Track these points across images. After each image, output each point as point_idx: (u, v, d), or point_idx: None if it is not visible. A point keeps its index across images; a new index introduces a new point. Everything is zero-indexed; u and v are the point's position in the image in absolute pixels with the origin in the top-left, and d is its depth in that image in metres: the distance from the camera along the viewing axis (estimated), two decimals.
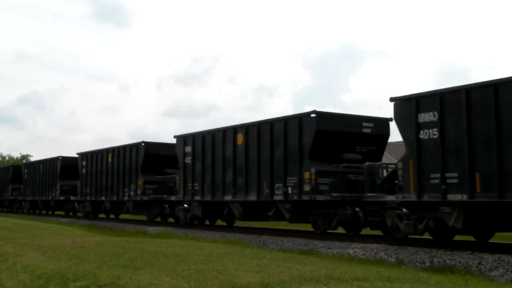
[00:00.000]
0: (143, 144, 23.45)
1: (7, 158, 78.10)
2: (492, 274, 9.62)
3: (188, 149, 19.93)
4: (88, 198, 27.85)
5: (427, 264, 10.82)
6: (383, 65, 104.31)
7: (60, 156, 31.87)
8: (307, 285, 6.74)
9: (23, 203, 37.70)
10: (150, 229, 20.59)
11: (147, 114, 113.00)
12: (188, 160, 19.88)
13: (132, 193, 23.69)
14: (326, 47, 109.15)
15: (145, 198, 22.87)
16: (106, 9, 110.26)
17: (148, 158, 23.15)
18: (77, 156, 29.30)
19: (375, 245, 12.97)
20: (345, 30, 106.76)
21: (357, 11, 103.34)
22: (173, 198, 21.17)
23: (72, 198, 29.89)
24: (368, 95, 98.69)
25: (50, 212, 34.68)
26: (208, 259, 9.25)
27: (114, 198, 25.29)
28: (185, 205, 20.47)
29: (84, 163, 28.20)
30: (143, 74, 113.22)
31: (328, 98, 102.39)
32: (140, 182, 22.99)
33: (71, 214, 31.48)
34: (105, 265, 9.02)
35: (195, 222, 20.89)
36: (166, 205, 22.05)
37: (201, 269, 8.11)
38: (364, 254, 12.24)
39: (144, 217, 24.75)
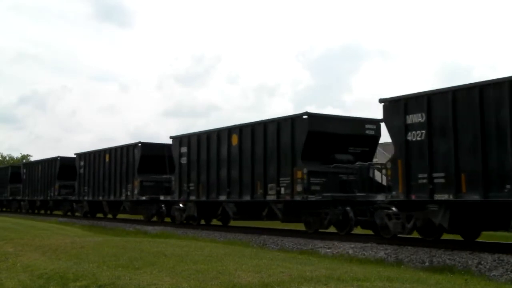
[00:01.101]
0: (139, 144, 23.79)
1: (7, 158, 78.11)
2: (492, 274, 9.62)
3: (184, 149, 20.21)
4: (86, 198, 28.18)
5: (427, 264, 10.83)
6: (384, 65, 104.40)
7: (58, 157, 32.19)
8: (307, 285, 6.74)
9: (21, 202, 37.96)
10: (150, 229, 20.58)
11: (148, 114, 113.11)
12: (184, 160, 20.15)
13: (129, 193, 24.01)
14: (327, 47, 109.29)
15: (141, 198, 23.15)
16: (107, 9, 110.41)
17: (144, 158, 23.52)
18: (75, 156, 29.67)
19: (375, 245, 12.98)
20: (346, 30, 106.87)
21: (358, 11, 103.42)
22: (169, 198, 21.42)
23: (70, 198, 30.27)
24: (368, 95, 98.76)
25: (48, 212, 34.97)
26: (208, 259, 9.25)
27: (112, 198, 25.59)
28: (180, 205, 20.72)
29: (82, 163, 28.51)
30: (144, 74, 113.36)
31: (329, 98, 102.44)
32: (137, 182, 23.33)
33: (69, 213, 31.72)
34: (105, 265, 9.03)
35: (191, 222, 21.02)
36: (163, 205, 22.36)
37: (201, 269, 8.12)
38: (364, 254, 12.25)
39: (141, 217, 24.99)
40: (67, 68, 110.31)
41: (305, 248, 13.67)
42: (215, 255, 9.87)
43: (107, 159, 26.11)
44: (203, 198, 19.15)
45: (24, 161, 65.76)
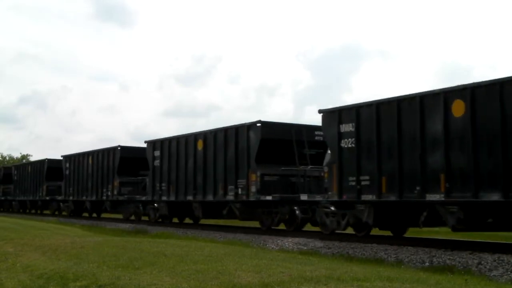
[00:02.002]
0: (119, 148, 25.59)
1: (7, 158, 78.13)
2: (492, 274, 9.62)
3: (157, 153, 21.79)
4: (71, 198, 29.80)
5: (427, 264, 10.83)
6: (384, 65, 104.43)
7: (46, 159, 33.95)
8: (307, 285, 6.74)
9: (13, 202, 39.50)
10: (150, 229, 20.62)
11: (148, 114, 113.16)
12: (157, 163, 21.77)
13: (109, 193, 25.72)
14: (327, 47, 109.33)
15: (120, 198, 24.92)
16: (108, 9, 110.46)
17: (123, 161, 25.25)
18: (61, 158, 31.26)
19: (375, 245, 12.99)
20: (346, 30, 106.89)
21: (358, 11, 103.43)
22: (143, 198, 23.16)
23: (57, 197, 31.78)
24: (369, 95, 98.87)
25: (38, 211, 36.25)
26: (208, 259, 9.25)
27: (94, 198, 27.22)
28: (155, 204, 22.34)
29: (67, 165, 30.14)
30: (144, 73, 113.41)
31: (329, 98, 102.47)
32: (116, 183, 24.98)
33: (56, 213, 32.95)
34: (105, 265, 9.02)
35: (164, 220, 22.63)
36: (140, 204, 23.84)
37: (201, 269, 8.11)
38: (364, 254, 12.25)
39: (121, 216, 26.53)
40: (67, 68, 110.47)
41: (305, 248, 13.67)
42: (215, 255, 9.87)
43: (90, 162, 27.81)
44: (173, 198, 20.75)
45: (24, 161, 65.81)
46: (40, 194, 33.69)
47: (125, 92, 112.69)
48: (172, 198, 20.81)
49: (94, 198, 27.28)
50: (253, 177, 16.96)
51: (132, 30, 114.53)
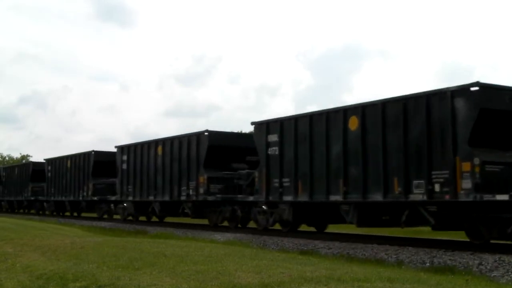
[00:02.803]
0: (93, 152, 28.11)
1: (7, 158, 78.13)
2: (493, 274, 9.60)
3: (125, 157, 24.28)
4: (52, 198, 32.43)
5: (428, 264, 10.81)
6: (384, 65, 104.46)
7: (31, 162, 37.83)
8: (307, 285, 6.72)
9: (2, 202, 42.02)
10: (150, 229, 20.63)
11: (148, 114, 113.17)
12: (124, 166, 24.30)
13: (85, 194, 28.29)
14: (327, 47, 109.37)
15: (94, 198, 27.53)
16: (109, 9, 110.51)
17: (97, 164, 27.75)
18: (44, 162, 34.27)
19: (376, 245, 12.97)
20: (347, 30, 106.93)
21: (358, 11, 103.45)
22: (113, 198, 25.56)
23: (40, 198, 34.24)
24: (369, 95, 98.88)
25: (25, 211, 38.34)
26: (208, 260, 9.24)
27: (72, 198, 29.90)
28: (125, 204, 24.84)
29: (49, 168, 32.86)
30: (145, 73, 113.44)
31: (330, 98, 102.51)
32: (91, 185, 27.67)
33: (41, 212, 35.31)
34: (104, 266, 9.01)
35: (132, 218, 24.96)
36: (112, 204, 26.36)
37: (201, 269, 8.10)
38: (364, 255, 12.23)
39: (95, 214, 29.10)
40: (67, 68, 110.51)
41: (305, 248, 13.65)
42: (215, 256, 9.85)
43: (68, 165, 30.38)
44: (137, 198, 23.40)
45: (24, 161, 65.82)
46: (26, 194, 36.11)
47: (125, 92, 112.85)
48: (137, 198, 23.38)
49: (72, 198, 29.79)
50: (201, 179, 19.34)
51: (132, 30, 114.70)
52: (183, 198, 20.33)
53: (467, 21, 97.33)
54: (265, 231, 17.13)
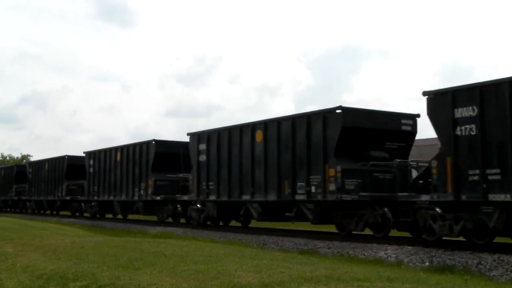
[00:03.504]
0: (66, 157, 31.41)
1: (7, 158, 78.08)
2: (492, 274, 9.62)
3: (91, 162, 27.71)
4: (33, 197, 35.71)
5: (427, 264, 10.82)
6: (384, 65, 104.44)
7: (14, 165, 42.74)
8: (307, 285, 6.74)
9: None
10: (150, 229, 20.64)
11: (148, 114, 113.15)
12: (91, 170, 27.67)
13: (59, 194, 31.71)
14: (328, 47, 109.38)
15: (67, 198, 30.90)
16: (110, 9, 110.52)
17: (70, 168, 31.00)
18: (26, 164, 38.93)
19: (375, 245, 12.98)
20: (347, 30, 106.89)
21: (359, 11, 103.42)
22: (81, 198, 29.21)
23: (23, 198, 37.42)
24: (369, 95, 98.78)
25: (12, 210, 40.93)
26: (208, 259, 9.25)
27: (50, 197, 33.13)
28: (92, 203, 28.11)
29: (30, 170, 36.40)
30: (145, 74, 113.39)
31: (330, 98, 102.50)
32: (64, 186, 30.98)
33: (24, 210, 38.19)
34: (105, 265, 9.02)
35: (98, 216, 28.27)
36: (82, 203, 29.68)
37: (201, 269, 8.11)
38: (364, 254, 12.24)
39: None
40: (67, 68, 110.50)
41: (305, 248, 13.66)
42: (215, 255, 9.86)
43: (46, 168, 33.67)
44: (104, 198, 26.47)
45: (24, 161, 65.76)
46: (11, 194, 39.36)
47: (125, 92, 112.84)
48: (102, 198, 26.73)
49: (50, 198, 33.19)
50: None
51: (133, 30, 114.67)
52: (135, 198, 23.59)
53: (467, 21, 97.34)
54: (266, 231, 17.30)
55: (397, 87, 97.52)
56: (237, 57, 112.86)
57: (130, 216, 27.30)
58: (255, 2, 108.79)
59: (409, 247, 12.36)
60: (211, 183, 18.80)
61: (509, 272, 9.56)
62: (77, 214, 30.89)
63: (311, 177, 14.90)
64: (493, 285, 8.36)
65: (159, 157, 22.54)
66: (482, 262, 10.24)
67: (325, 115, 14.74)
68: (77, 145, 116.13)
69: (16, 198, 38.44)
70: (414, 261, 11.12)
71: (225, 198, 18.21)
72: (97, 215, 28.29)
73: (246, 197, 17.29)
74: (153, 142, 22.75)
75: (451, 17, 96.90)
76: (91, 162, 27.60)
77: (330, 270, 7.99)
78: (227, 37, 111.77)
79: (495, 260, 10.23)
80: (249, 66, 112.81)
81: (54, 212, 34.39)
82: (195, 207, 19.97)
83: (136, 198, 23.55)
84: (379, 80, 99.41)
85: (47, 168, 33.51)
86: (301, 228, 18.47)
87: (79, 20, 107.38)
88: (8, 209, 41.13)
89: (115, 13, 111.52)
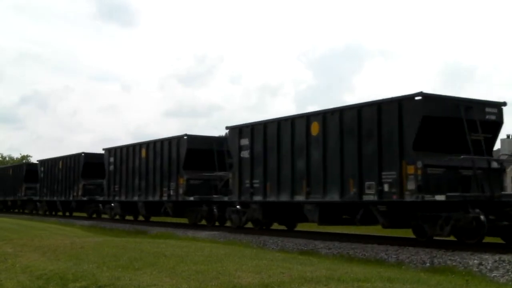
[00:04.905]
0: (83, 154, 29.73)
1: (7, 158, 78.08)
2: (493, 274, 9.60)
3: (111, 159, 25.78)
4: (45, 198, 34.10)
5: (428, 264, 10.80)
6: (386, 64, 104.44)
7: (24, 163, 43.56)
8: (307, 285, 6.72)
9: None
10: (150, 229, 20.63)
11: (149, 114, 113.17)
12: (111, 167, 25.71)
13: (75, 194, 30.15)
14: (329, 47, 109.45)
15: (84, 198, 29.51)
16: (111, 9, 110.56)
17: (87, 166, 29.34)
18: (37, 163, 36.88)
19: (376, 245, 12.96)
20: (348, 30, 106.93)
21: (360, 11, 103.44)
22: (100, 198, 27.89)
23: (33, 198, 36.12)
24: (370, 95, 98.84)
25: (17, 211, 39.97)
26: (208, 260, 9.23)
27: (64, 198, 31.38)
28: (113, 204, 26.51)
29: (42, 168, 34.82)
30: (146, 74, 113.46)
31: (331, 98, 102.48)
32: (81, 185, 29.40)
33: (34, 212, 36.84)
34: (104, 266, 9.00)
35: (118, 217, 26.84)
36: (100, 204, 28.13)
37: (201, 269, 8.09)
38: (365, 255, 12.22)
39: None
40: (68, 68, 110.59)
41: (305, 248, 13.64)
42: (215, 256, 9.85)
43: (60, 166, 32.03)
44: (123, 198, 24.80)
45: (24, 161, 65.76)
46: (20, 194, 38.17)
47: (126, 92, 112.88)
48: (123, 198, 25.13)
49: (64, 198, 31.68)
50: (181, 180, 20.52)
51: (134, 30, 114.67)
52: (164, 198, 21.61)
53: (468, 21, 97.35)
54: (266, 231, 17.24)
55: (398, 87, 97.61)
56: (238, 57, 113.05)
57: (153, 218, 25.26)
58: (256, 2, 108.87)
59: (410, 247, 12.34)
60: (256, 182, 16.67)
61: (510, 273, 9.54)
62: (94, 215, 29.27)
63: (384, 174, 12.84)
64: (494, 285, 8.35)
65: (192, 153, 20.55)
66: (483, 263, 10.22)
67: (401, 102, 12.69)
68: (77, 145, 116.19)
69: (25, 198, 36.57)
70: (414, 262, 11.09)
71: (273, 199, 16.20)
72: (117, 217, 26.26)
73: (299, 198, 15.16)
74: (185, 137, 20.73)
75: (452, 17, 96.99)
76: (112, 159, 25.51)
77: (330, 270, 7.98)
78: (228, 37, 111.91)
79: (496, 261, 10.20)
80: (250, 66, 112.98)
81: (67, 214, 32.56)
82: (235, 208, 18.18)
83: (165, 198, 21.45)
84: (380, 80, 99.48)
85: (61, 166, 31.52)
86: (300, 229, 18.45)
87: (79, 20, 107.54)
88: (17, 210, 39.69)
89: (115, 13, 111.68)
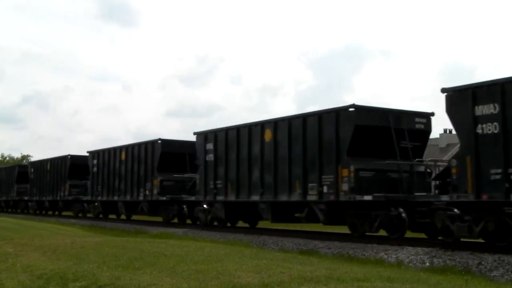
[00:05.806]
0: (69, 156, 31.07)
1: (7, 158, 78.08)
2: (492, 274, 9.61)
3: (95, 161, 27.34)
4: (35, 198, 35.46)
5: (427, 264, 10.81)
6: (386, 65, 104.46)
7: (16, 165, 43.92)
8: (307, 285, 6.74)
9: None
10: (150, 229, 20.65)
11: (150, 114, 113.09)
12: (95, 169, 27.34)
13: (62, 194, 31.39)
14: (329, 47, 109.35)
15: (69, 198, 30.90)
16: (111, 9, 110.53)
17: (73, 168, 30.86)
18: (28, 164, 40.15)
19: (375, 245, 12.97)
20: (349, 30, 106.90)
21: (360, 11, 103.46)
22: (84, 198, 29.17)
23: (24, 198, 37.48)
24: (371, 95, 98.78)
25: (10, 210, 41.05)
26: (208, 260, 9.24)
27: (52, 198, 32.69)
28: (96, 203, 27.78)
29: (32, 169, 36.26)
30: (147, 74, 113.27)
31: (331, 98, 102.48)
32: (67, 186, 30.72)
33: (25, 211, 38.14)
34: (105, 266, 9.02)
35: (101, 216, 28.24)
36: (85, 204, 29.44)
37: (201, 269, 8.11)
38: (364, 254, 12.23)
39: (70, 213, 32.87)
40: (69, 68, 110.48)
41: (305, 248, 13.65)
42: (215, 256, 9.86)
43: (48, 168, 33.42)
44: (105, 198, 26.34)
45: (24, 161, 65.78)
46: (12, 194, 39.61)
47: (127, 92, 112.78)
48: (104, 198, 26.80)
49: (52, 198, 32.79)
50: (155, 181, 22.14)
51: (135, 30, 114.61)
52: (141, 198, 23.30)
53: (469, 21, 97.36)
54: (266, 231, 17.30)
55: (398, 87, 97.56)
56: (239, 57, 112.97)
57: (134, 217, 26.81)
58: (256, 2, 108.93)
59: (409, 247, 12.35)
60: (218, 183, 18.34)
61: (509, 273, 9.55)
62: (80, 214, 30.83)
63: (323, 177, 14.50)
64: (493, 285, 8.35)
65: (165, 156, 22.28)
66: (483, 262, 10.23)
67: (338, 113, 14.34)
68: (78, 145, 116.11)
69: (17, 198, 38.45)
70: (414, 261, 11.11)
71: (233, 199, 17.79)
72: (101, 216, 28.07)
73: (255, 198, 16.84)
74: (159, 141, 22.49)
75: (452, 17, 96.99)
76: (95, 161, 27.37)
77: (330, 270, 7.99)
78: (229, 37, 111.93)
79: (495, 261, 10.21)
80: (251, 66, 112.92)
81: (56, 213, 34.22)
82: (202, 207, 19.69)
83: (141, 198, 23.30)
84: (380, 80, 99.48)
85: (49, 168, 33.36)
86: (300, 228, 18.46)
87: (80, 20, 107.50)
88: (10, 210, 41.31)
89: (116, 13, 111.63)
